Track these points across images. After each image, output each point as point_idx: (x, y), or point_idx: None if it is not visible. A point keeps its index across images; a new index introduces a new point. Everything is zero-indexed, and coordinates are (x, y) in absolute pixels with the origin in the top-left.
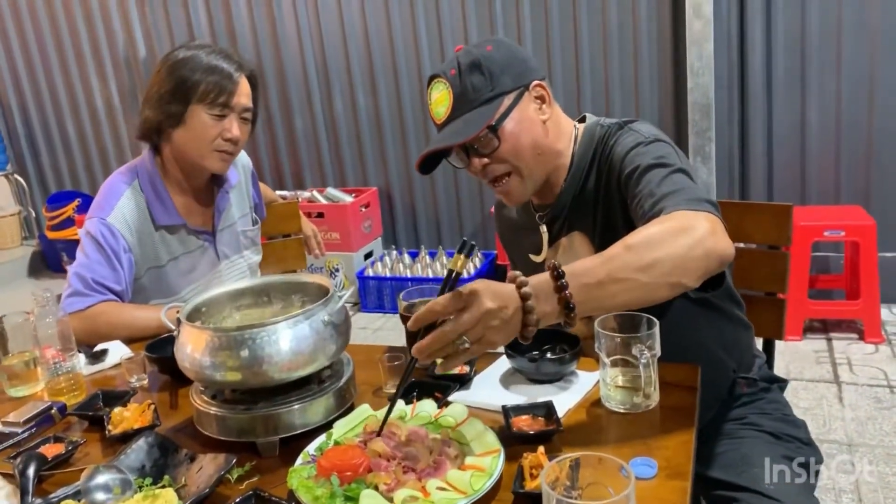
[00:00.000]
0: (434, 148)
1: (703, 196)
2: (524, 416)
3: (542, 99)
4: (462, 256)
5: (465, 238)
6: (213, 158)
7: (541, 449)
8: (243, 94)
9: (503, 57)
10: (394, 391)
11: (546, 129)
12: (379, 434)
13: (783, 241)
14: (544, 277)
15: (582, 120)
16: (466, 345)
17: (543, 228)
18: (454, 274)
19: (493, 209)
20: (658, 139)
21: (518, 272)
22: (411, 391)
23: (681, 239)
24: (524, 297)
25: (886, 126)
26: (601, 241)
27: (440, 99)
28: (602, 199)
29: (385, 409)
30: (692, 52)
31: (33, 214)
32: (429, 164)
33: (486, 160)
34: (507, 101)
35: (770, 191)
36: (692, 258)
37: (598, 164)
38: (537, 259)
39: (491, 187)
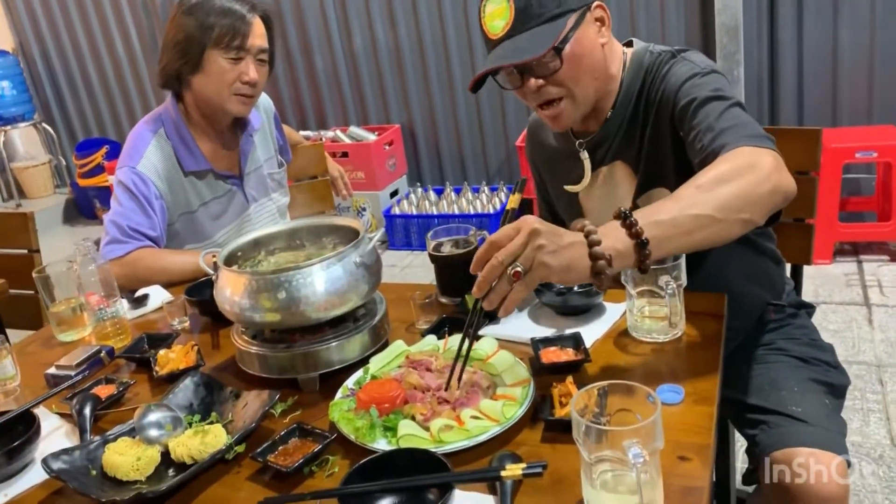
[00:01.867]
0: (498, 65)
1: (762, 132)
2: (553, 348)
3: (601, 21)
4: (518, 195)
5: (522, 177)
6: (233, 102)
7: (570, 378)
8: (258, 36)
9: None
10: (426, 327)
11: (604, 53)
12: (449, 382)
13: (812, 166)
14: (611, 222)
15: (628, 44)
16: (518, 268)
17: (585, 155)
18: (510, 211)
19: (523, 134)
20: (714, 70)
21: (586, 220)
22: (442, 327)
23: (749, 176)
24: (588, 233)
25: None
26: (645, 172)
27: (498, 12)
28: (651, 128)
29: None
30: None
31: (63, 163)
32: (478, 81)
33: (541, 82)
34: (572, 20)
35: (800, 113)
36: (761, 194)
37: (648, 92)
38: (574, 189)
39: (536, 110)
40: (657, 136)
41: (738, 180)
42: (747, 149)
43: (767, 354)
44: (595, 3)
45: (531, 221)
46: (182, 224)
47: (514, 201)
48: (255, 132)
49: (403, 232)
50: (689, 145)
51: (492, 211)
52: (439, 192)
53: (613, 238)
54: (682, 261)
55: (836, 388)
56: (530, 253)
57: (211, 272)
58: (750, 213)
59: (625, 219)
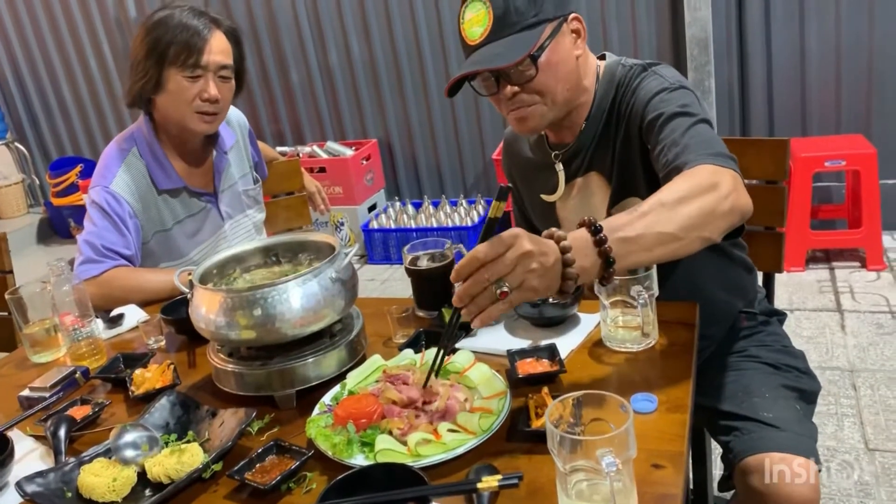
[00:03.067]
0: (472, 70)
1: (724, 151)
2: (528, 360)
3: (577, 33)
4: (500, 203)
5: (501, 185)
6: (195, 120)
7: (545, 389)
8: (216, 52)
9: None
10: (403, 341)
11: (578, 64)
12: (425, 386)
13: (780, 175)
14: (581, 232)
15: (601, 58)
16: (505, 288)
17: (560, 167)
18: (493, 221)
19: (500, 147)
20: (683, 86)
21: (554, 228)
22: (419, 341)
23: (710, 195)
24: (563, 250)
25: (886, 53)
26: (618, 182)
27: (477, 18)
28: (622, 140)
29: (431, 361)
30: None
31: (37, 182)
32: (455, 86)
33: (516, 88)
34: (548, 29)
35: (771, 123)
36: (720, 214)
37: (620, 105)
38: (550, 199)
39: (505, 114)
40: (628, 148)
41: (699, 199)
42: (709, 167)
43: (740, 361)
44: (571, 16)
45: (523, 241)
46: (157, 242)
47: (496, 209)
48: (228, 149)
49: (382, 246)
50: (655, 158)
51: (469, 224)
52: (417, 206)
53: (582, 256)
54: (654, 271)
55: (807, 394)
56: (521, 275)
57: (186, 290)
58: (709, 231)
59: (595, 233)
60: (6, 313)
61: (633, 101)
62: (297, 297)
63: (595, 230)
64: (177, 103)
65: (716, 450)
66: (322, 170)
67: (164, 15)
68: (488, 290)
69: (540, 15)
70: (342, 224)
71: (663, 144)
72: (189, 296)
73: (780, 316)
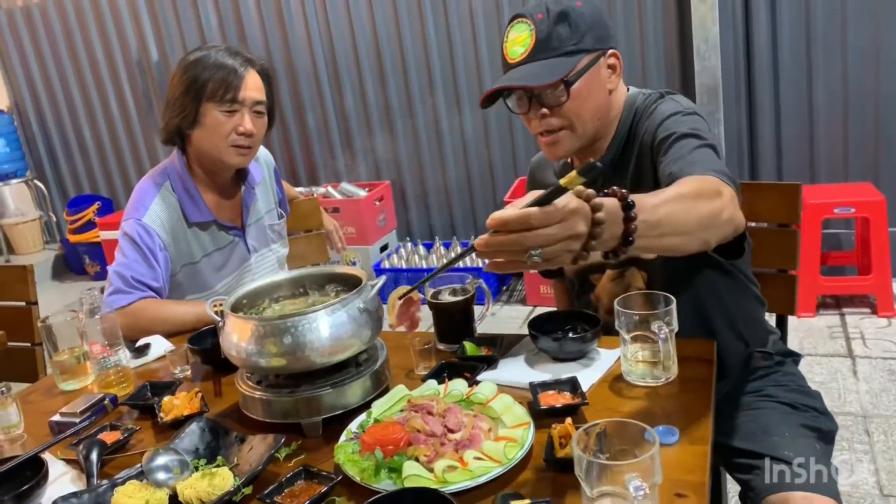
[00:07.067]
0: (506, 85)
1: (727, 172)
2: (550, 392)
3: (613, 68)
4: (580, 178)
5: (592, 160)
6: (230, 154)
7: (568, 420)
8: (251, 88)
9: (591, 15)
10: (425, 373)
11: (609, 97)
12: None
13: (792, 219)
14: (613, 206)
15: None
16: (536, 258)
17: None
18: (560, 191)
19: (512, 189)
20: (696, 112)
21: (591, 191)
22: (441, 372)
23: (716, 201)
24: (596, 223)
25: (893, 102)
26: None
27: (519, 39)
28: (636, 162)
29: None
30: (698, 35)
31: (54, 219)
32: (489, 100)
33: (545, 111)
34: (586, 60)
35: (780, 170)
36: (721, 221)
37: (637, 129)
38: None
39: (537, 137)
40: (641, 170)
41: (709, 202)
42: (712, 178)
43: (757, 401)
44: (610, 51)
45: (579, 222)
46: (184, 275)
47: (571, 181)
48: (256, 185)
49: (393, 286)
50: (660, 171)
51: (480, 264)
52: (428, 247)
53: (610, 237)
54: (673, 307)
55: (826, 434)
56: (559, 250)
57: (218, 320)
58: (710, 235)
59: (626, 209)
60: (28, 344)
61: (647, 124)
62: (326, 326)
63: (627, 206)
64: (213, 137)
65: (731, 488)
66: (336, 210)
67: (201, 55)
68: (520, 254)
69: (580, 45)
70: (354, 263)
71: (670, 158)
72: (220, 324)
73: (796, 357)
